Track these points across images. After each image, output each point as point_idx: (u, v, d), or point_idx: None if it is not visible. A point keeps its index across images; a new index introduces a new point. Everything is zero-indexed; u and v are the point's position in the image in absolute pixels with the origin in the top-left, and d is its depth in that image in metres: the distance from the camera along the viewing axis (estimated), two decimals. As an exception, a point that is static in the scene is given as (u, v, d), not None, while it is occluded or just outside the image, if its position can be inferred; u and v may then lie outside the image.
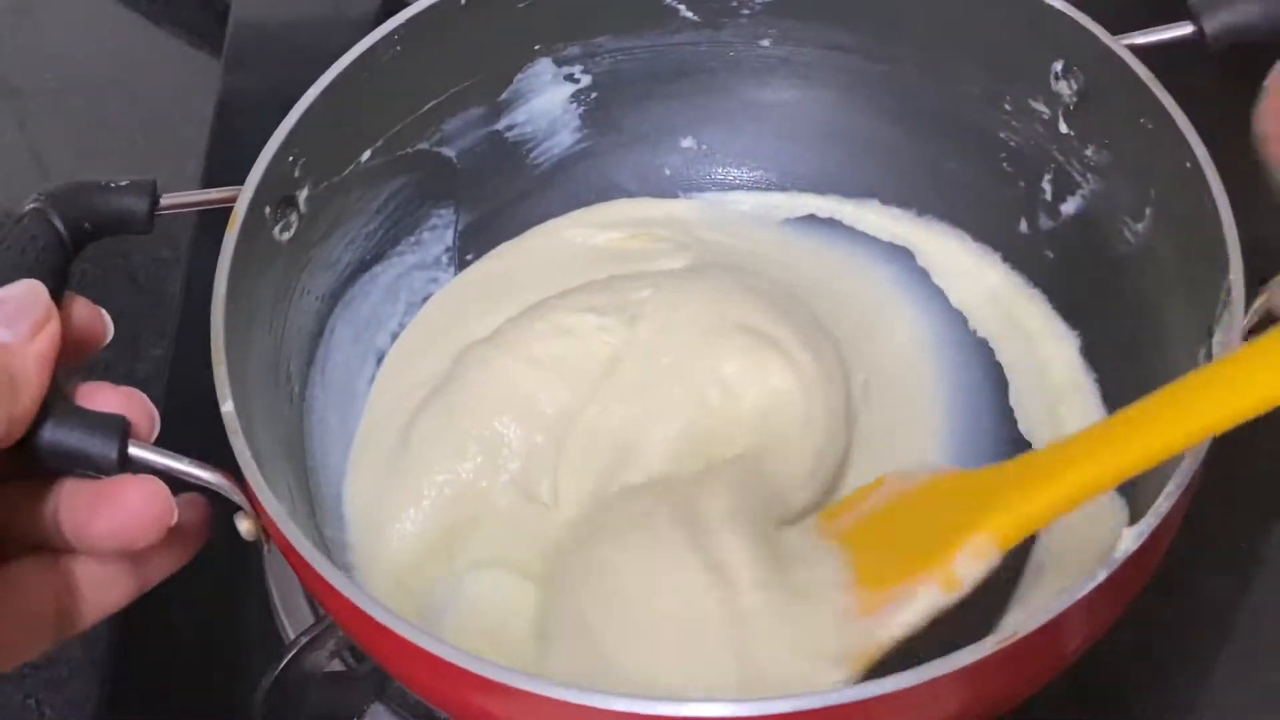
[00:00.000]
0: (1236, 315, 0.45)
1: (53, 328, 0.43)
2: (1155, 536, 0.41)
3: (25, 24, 0.79)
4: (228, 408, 0.45)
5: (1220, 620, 0.55)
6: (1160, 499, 0.41)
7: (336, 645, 0.52)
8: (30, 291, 0.43)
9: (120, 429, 0.43)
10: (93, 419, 0.43)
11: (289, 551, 0.43)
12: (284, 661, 0.50)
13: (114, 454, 0.42)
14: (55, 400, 0.43)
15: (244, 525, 0.45)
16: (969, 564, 0.41)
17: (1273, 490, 0.57)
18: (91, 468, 0.43)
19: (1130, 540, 0.40)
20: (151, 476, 0.42)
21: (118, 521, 0.42)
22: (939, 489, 0.46)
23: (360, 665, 0.53)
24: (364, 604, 0.40)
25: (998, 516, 0.41)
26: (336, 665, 0.52)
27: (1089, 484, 0.40)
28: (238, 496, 0.44)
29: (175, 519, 0.42)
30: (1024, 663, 0.41)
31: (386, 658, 0.43)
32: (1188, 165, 0.49)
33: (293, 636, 0.52)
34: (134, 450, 0.43)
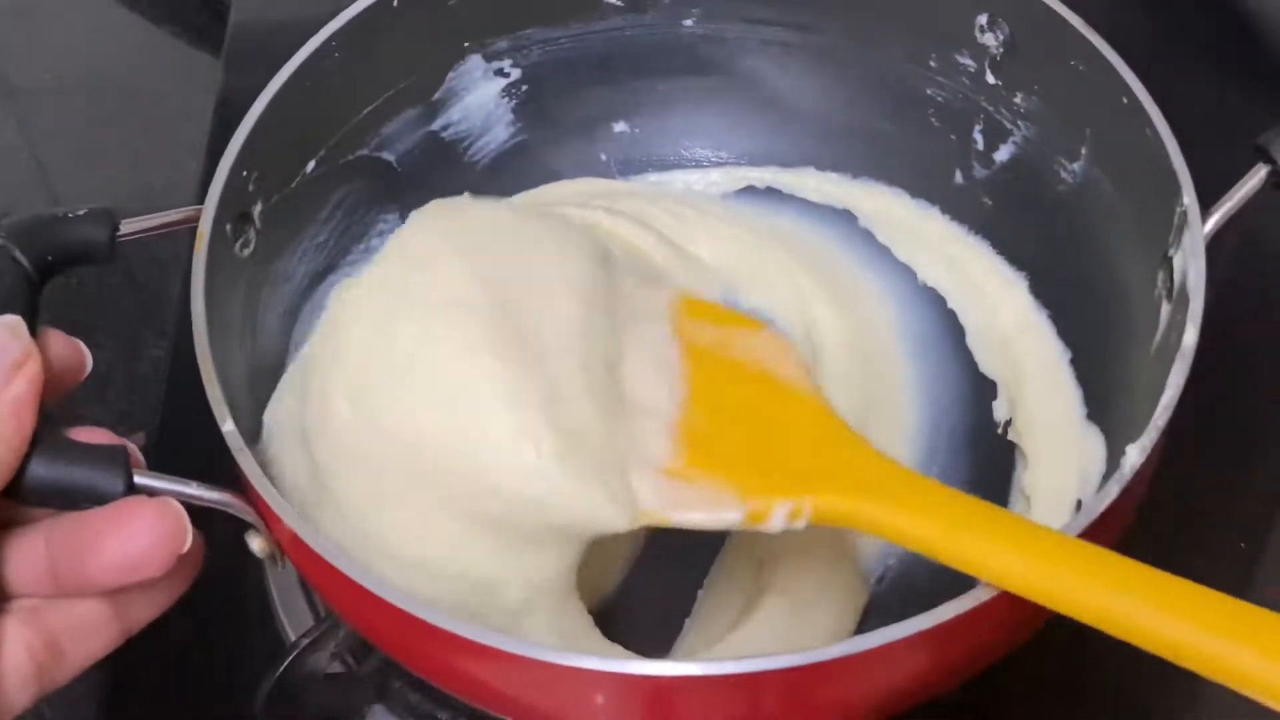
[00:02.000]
0: (1196, 237, 0.47)
1: (31, 368, 0.41)
2: (1153, 454, 0.43)
3: (25, 24, 0.77)
4: (228, 427, 0.44)
5: None
6: (1158, 412, 0.43)
7: (337, 647, 0.52)
8: (6, 332, 0.42)
9: (123, 459, 0.42)
10: (93, 451, 0.42)
11: (309, 562, 0.43)
12: (285, 663, 0.50)
13: (120, 485, 0.41)
14: (50, 436, 0.41)
15: (256, 543, 0.45)
16: (782, 518, 0.42)
17: (1273, 489, 0.58)
18: (96, 501, 0.42)
19: (1136, 454, 0.42)
20: (163, 497, 0.41)
21: (130, 548, 0.41)
22: (803, 413, 0.45)
23: (361, 666, 0.53)
24: (414, 608, 0.40)
25: (835, 498, 0.42)
26: (337, 667, 0.52)
27: (924, 540, 0.41)
28: (249, 515, 0.44)
29: (190, 540, 0.41)
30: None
31: (434, 666, 0.43)
32: (1124, 101, 0.51)
33: (293, 638, 0.51)
34: (139, 479, 0.42)
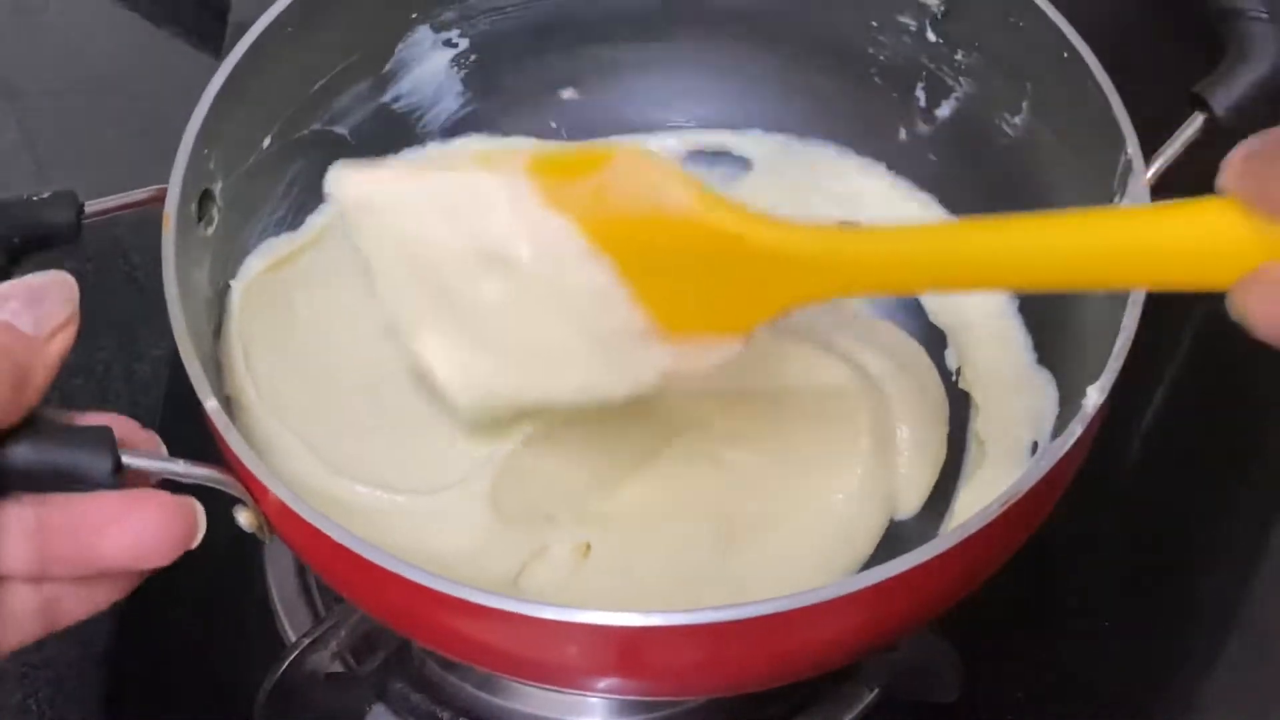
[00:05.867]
0: (1140, 184, 0.49)
1: (70, 332, 0.41)
2: (1111, 397, 0.45)
3: (25, 24, 0.77)
4: (212, 404, 0.45)
5: (1221, 618, 0.57)
6: (1114, 353, 0.45)
7: (338, 647, 0.52)
8: (63, 287, 0.41)
9: (109, 439, 0.42)
10: (79, 432, 0.42)
11: (298, 532, 0.44)
12: (285, 663, 0.50)
13: (108, 465, 0.41)
14: (37, 420, 0.42)
15: (244, 517, 0.45)
16: (762, 327, 0.43)
17: (1273, 489, 0.60)
18: (85, 483, 0.42)
19: (1096, 394, 0.44)
20: (185, 496, 0.41)
21: (135, 539, 0.40)
22: (724, 239, 0.41)
23: (361, 667, 0.53)
24: (400, 569, 0.41)
25: (796, 293, 0.42)
26: (337, 667, 0.53)
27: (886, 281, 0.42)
28: (237, 489, 0.44)
29: (200, 537, 0.41)
30: (1012, 527, 0.44)
31: (421, 625, 0.44)
32: (1065, 55, 0.53)
33: (293, 638, 0.52)
34: (127, 459, 0.42)
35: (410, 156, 0.63)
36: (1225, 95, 0.50)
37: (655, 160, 0.42)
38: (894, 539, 0.54)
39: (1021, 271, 0.40)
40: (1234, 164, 0.35)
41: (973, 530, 0.41)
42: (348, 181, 0.45)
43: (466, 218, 0.43)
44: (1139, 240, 0.37)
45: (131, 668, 0.54)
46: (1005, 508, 0.41)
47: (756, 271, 0.41)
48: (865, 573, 0.41)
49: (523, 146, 0.64)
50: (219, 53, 0.74)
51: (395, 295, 0.45)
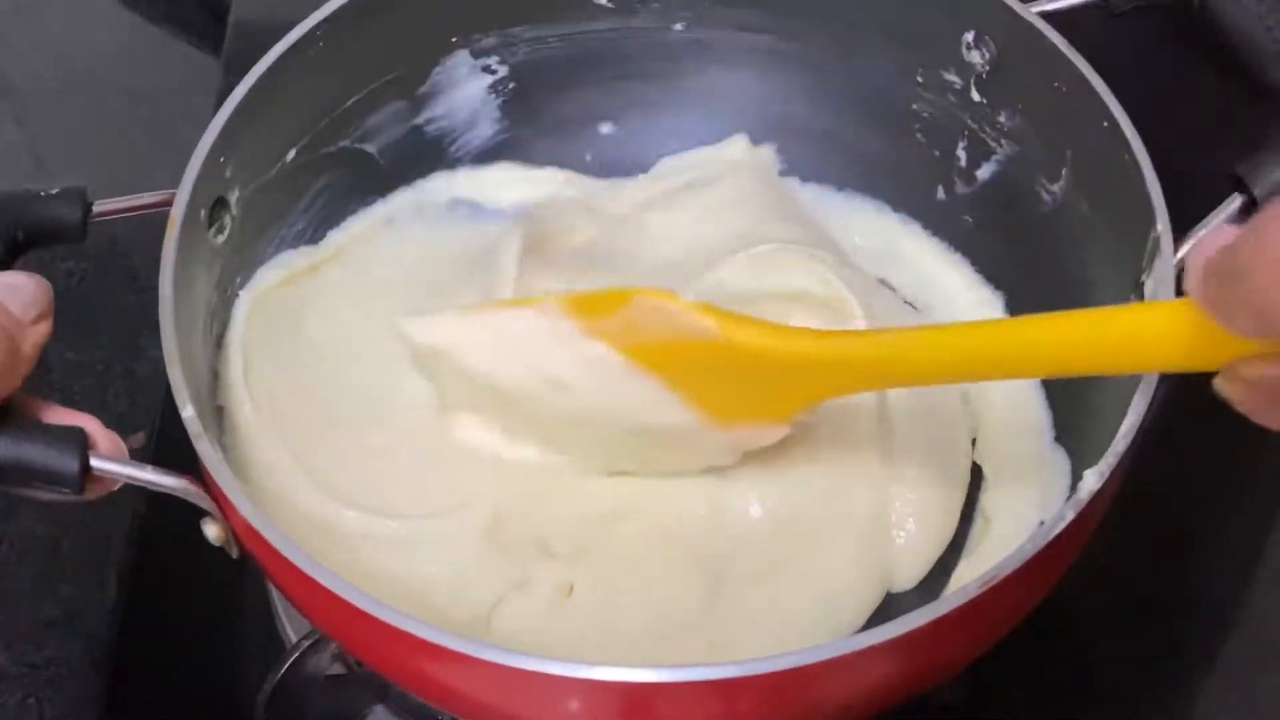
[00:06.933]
0: (1167, 264, 0.47)
1: (48, 325, 0.42)
2: (1111, 478, 0.43)
3: (25, 24, 0.78)
4: (188, 413, 0.44)
5: (1220, 618, 0.56)
6: (1117, 439, 0.43)
7: (338, 648, 0.52)
8: (40, 287, 0.43)
9: (79, 441, 0.42)
10: (50, 432, 0.42)
11: (264, 552, 0.43)
12: (286, 665, 0.50)
13: (75, 467, 0.41)
14: (11, 414, 0.41)
15: (211, 530, 0.45)
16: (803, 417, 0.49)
17: (1273, 490, 0.59)
18: (53, 482, 0.42)
19: (1093, 479, 0.42)
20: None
21: None
22: (745, 353, 0.47)
23: (362, 668, 0.53)
24: (363, 603, 0.40)
25: (822, 390, 0.48)
26: (338, 668, 0.52)
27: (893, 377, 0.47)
28: (205, 502, 0.44)
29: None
30: (1000, 602, 0.42)
31: (386, 660, 0.43)
32: (1105, 125, 0.51)
33: (294, 640, 0.52)
34: (95, 462, 0.42)
35: (440, 181, 0.62)
36: (1267, 178, 0.48)
37: (669, 297, 0.48)
38: (893, 611, 0.52)
39: (1010, 366, 0.45)
40: (1194, 271, 0.37)
41: (945, 610, 0.39)
42: (417, 329, 0.52)
43: (521, 353, 0.50)
44: (1123, 335, 0.41)
45: (131, 668, 0.54)
46: (984, 590, 0.40)
47: (781, 374, 0.47)
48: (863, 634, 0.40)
49: (555, 179, 0.63)
50: (219, 52, 0.74)
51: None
